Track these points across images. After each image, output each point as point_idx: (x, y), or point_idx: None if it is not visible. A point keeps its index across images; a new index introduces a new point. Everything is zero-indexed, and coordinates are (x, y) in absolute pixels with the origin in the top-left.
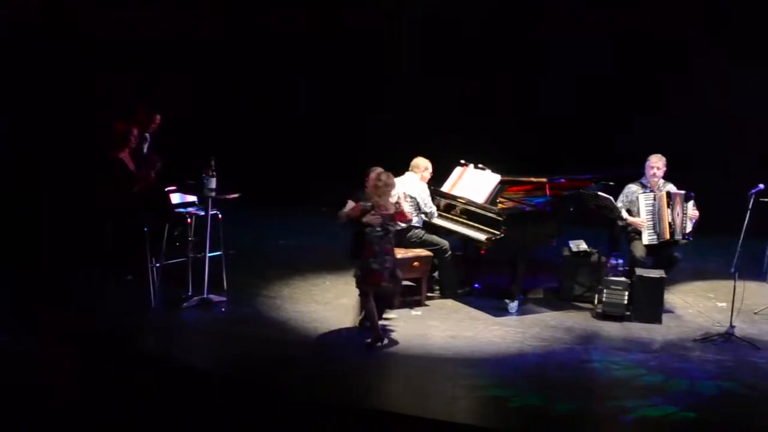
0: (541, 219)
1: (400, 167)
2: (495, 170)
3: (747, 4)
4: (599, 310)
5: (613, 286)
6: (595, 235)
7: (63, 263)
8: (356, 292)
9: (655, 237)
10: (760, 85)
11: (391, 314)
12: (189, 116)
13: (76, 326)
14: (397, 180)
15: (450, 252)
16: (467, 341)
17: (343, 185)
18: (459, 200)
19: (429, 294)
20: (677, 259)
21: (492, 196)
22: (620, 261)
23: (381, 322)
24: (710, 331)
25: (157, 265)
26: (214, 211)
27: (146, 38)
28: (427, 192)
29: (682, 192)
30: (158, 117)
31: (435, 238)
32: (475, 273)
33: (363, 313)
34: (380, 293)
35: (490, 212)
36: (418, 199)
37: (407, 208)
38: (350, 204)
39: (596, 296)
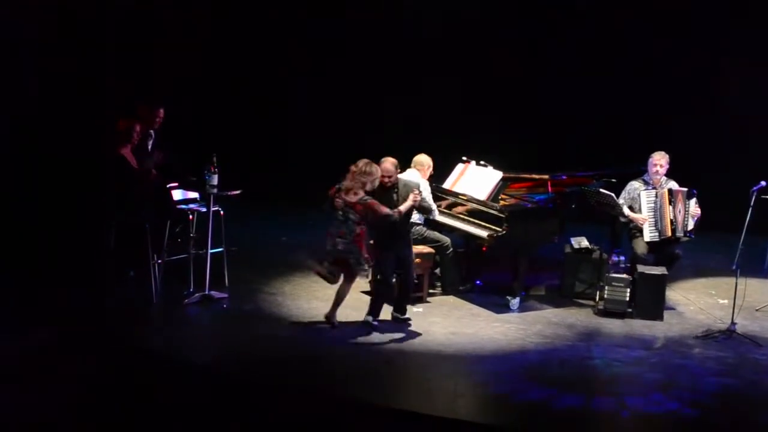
0: (543, 216)
1: (403, 163)
2: (497, 167)
3: (747, 3)
4: (601, 307)
5: (614, 283)
6: (597, 232)
7: (64, 261)
8: (357, 288)
9: (657, 234)
10: (761, 82)
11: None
12: (191, 113)
13: (77, 323)
14: (399, 177)
15: (452, 249)
16: (469, 338)
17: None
18: (461, 197)
19: (431, 291)
20: (678, 255)
21: (494, 193)
22: (622, 258)
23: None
24: (712, 328)
25: (159, 261)
26: (216, 208)
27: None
28: (429, 189)
29: (685, 189)
30: (161, 111)
31: (437, 234)
32: (476, 270)
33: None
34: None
35: (491, 209)
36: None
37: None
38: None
39: (598, 293)
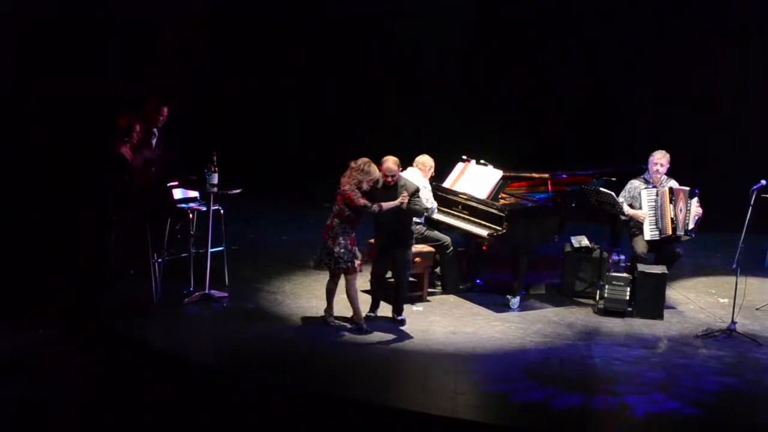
0: (543, 215)
1: (404, 163)
2: (497, 166)
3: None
4: (601, 306)
5: (614, 282)
6: (597, 231)
7: (65, 259)
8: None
9: (657, 233)
10: (761, 81)
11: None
12: (192, 112)
13: (78, 322)
14: (400, 175)
15: (452, 248)
16: (469, 337)
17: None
18: (461, 196)
19: (431, 290)
20: (679, 254)
21: (494, 191)
22: (622, 257)
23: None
24: (712, 327)
25: (159, 260)
26: (216, 207)
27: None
28: (429, 188)
29: (686, 188)
30: (165, 109)
31: (437, 233)
32: (476, 269)
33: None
34: None
35: (492, 208)
36: (420, 194)
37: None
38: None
39: (598, 292)
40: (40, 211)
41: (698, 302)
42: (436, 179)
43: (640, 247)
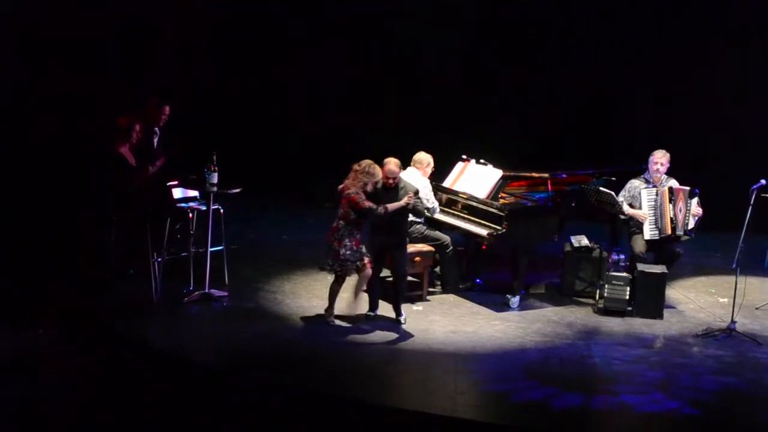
0: (543, 214)
1: (404, 163)
2: (497, 165)
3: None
4: (601, 306)
5: (614, 282)
6: (597, 230)
7: (65, 259)
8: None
9: (657, 232)
10: (761, 80)
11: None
12: (191, 111)
13: (78, 321)
14: (400, 177)
15: (452, 247)
16: (468, 336)
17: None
18: (461, 195)
19: (430, 289)
20: (678, 254)
21: (494, 191)
22: (622, 256)
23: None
24: (712, 327)
25: (159, 259)
26: (216, 206)
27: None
28: (429, 187)
29: (686, 188)
30: (167, 108)
31: (437, 233)
32: (476, 268)
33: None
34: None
35: (491, 207)
36: (420, 194)
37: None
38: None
39: (598, 292)
40: (41, 211)
41: (698, 302)
42: (436, 178)
43: (639, 246)
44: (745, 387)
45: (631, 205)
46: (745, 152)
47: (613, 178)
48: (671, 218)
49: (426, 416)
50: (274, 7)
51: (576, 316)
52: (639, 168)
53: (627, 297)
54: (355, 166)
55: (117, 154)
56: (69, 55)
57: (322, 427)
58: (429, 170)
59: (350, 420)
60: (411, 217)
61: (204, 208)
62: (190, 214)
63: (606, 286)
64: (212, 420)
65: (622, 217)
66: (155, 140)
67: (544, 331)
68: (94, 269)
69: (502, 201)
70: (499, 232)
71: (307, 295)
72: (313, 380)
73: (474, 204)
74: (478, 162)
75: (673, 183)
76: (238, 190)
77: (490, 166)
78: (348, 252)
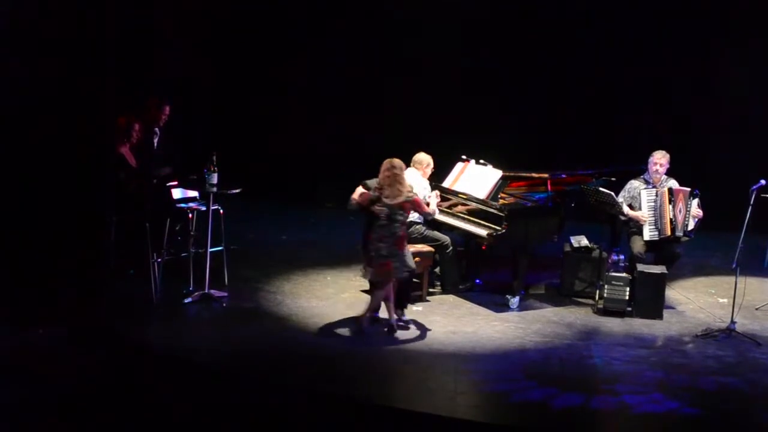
0: (543, 215)
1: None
2: (496, 166)
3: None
4: (600, 306)
5: (614, 282)
6: (597, 230)
7: (64, 259)
8: (357, 287)
9: (656, 233)
10: (762, 80)
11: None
12: (191, 111)
13: (77, 321)
14: None
15: (451, 247)
16: (468, 337)
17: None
18: (460, 196)
19: (430, 289)
20: (678, 254)
21: (493, 191)
22: (621, 257)
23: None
24: (711, 327)
25: (159, 260)
26: (216, 206)
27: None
28: (429, 188)
29: (687, 189)
30: (167, 108)
31: (436, 233)
32: (476, 268)
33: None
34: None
35: (491, 208)
36: (419, 195)
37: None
38: (359, 190)
39: (597, 292)
40: (40, 211)
41: (698, 302)
42: (436, 179)
43: (638, 246)
44: (745, 387)
45: (630, 206)
46: (745, 152)
47: (613, 179)
48: (671, 219)
49: (426, 416)
50: (273, 7)
51: (576, 316)
52: (639, 168)
53: (627, 297)
54: (386, 171)
55: (117, 154)
56: (69, 55)
57: (322, 427)
58: (429, 171)
59: (350, 420)
60: (411, 217)
61: (204, 208)
62: (190, 215)
63: (606, 286)
64: (212, 420)
65: (622, 218)
66: (155, 140)
67: (544, 332)
68: (94, 269)
69: (501, 201)
70: (499, 233)
71: (306, 295)
72: (312, 380)
73: (473, 204)
74: (477, 162)
75: (673, 183)
76: (237, 191)
77: (489, 167)
78: (408, 256)
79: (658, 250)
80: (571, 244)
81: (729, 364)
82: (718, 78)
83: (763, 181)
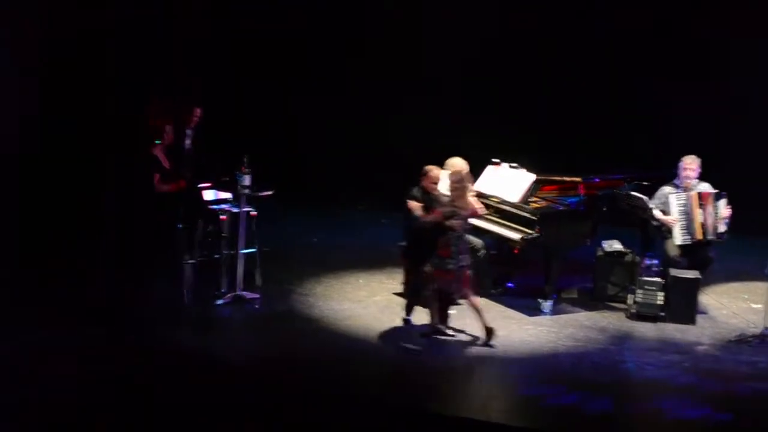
0: (575, 219)
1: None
2: (529, 169)
3: None
4: (633, 311)
5: (647, 287)
6: (629, 235)
7: (96, 261)
8: (389, 290)
9: (689, 237)
10: None
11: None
12: (225, 113)
13: (109, 323)
14: None
15: (484, 251)
16: (500, 340)
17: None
18: (492, 199)
19: None
20: (711, 259)
21: (526, 195)
22: (654, 261)
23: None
24: (745, 333)
25: (191, 262)
26: (248, 208)
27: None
28: None
29: (713, 191)
30: (199, 110)
31: (469, 237)
32: (508, 272)
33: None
34: (445, 290)
35: (523, 211)
36: None
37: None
38: (413, 205)
39: (630, 296)
40: (73, 212)
41: (731, 307)
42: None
43: (673, 250)
44: None
45: (662, 212)
46: None
47: (645, 183)
48: (701, 223)
49: (458, 420)
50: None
51: (608, 321)
52: (670, 172)
53: (659, 302)
54: (463, 182)
55: (150, 156)
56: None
57: (352, 429)
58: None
59: (382, 424)
60: None
61: (236, 210)
62: (223, 216)
63: (638, 291)
64: (243, 421)
65: (654, 222)
66: (187, 142)
67: (577, 336)
68: (125, 270)
69: (534, 205)
70: (532, 236)
71: (338, 297)
72: (344, 383)
73: (506, 208)
74: (510, 165)
75: (705, 187)
76: (270, 193)
77: (522, 170)
78: None
79: (691, 254)
80: (603, 249)
81: (763, 370)
82: (755, 79)
83: None
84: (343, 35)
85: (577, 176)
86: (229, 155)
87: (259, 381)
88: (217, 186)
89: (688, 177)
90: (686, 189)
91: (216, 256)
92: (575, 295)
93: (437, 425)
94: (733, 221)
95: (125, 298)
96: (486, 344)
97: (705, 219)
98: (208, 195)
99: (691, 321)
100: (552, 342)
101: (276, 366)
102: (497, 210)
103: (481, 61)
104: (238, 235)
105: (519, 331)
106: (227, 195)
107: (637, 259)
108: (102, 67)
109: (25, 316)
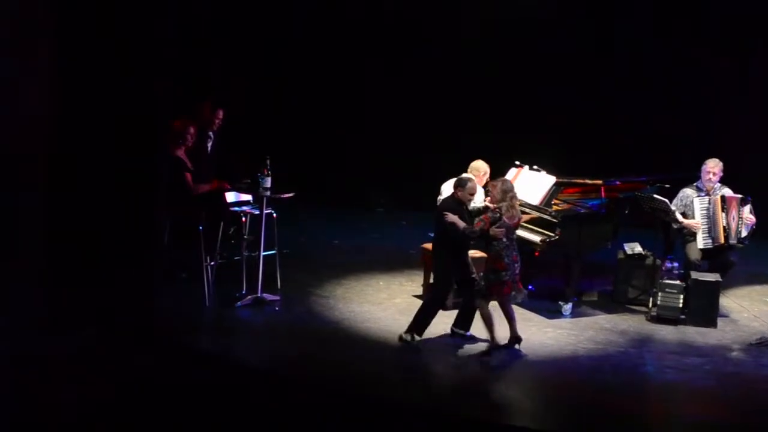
0: (596, 221)
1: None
2: (550, 172)
3: None
4: (654, 314)
5: (667, 290)
6: (650, 238)
7: (118, 262)
8: (409, 292)
9: (710, 241)
10: None
11: None
12: (246, 115)
13: (129, 325)
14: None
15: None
16: (521, 344)
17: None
18: None
19: None
20: (732, 262)
21: (547, 197)
22: (675, 264)
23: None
24: (766, 335)
25: (212, 263)
26: (269, 210)
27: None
28: (483, 195)
29: (738, 196)
30: (221, 112)
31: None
32: (529, 275)
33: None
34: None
35: (545, 214)
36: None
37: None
38: (451, 217)
39: (651, 299)
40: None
41: (752, 310)
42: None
43: (694, 253)
44: None
45: (684, 214)
46: None
47: (667, 185)
48: (724, 227)
49: (477, 423)
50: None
51: (629, 323)
52: (692, 175)
53: (680, 305)
54: (513, 192)
55: (173, 157)
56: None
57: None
58: (485, 179)
59: (402, 426)
60: None
61: (257, 212)
62: (243, 218)
63: (659, 293)
64: (264, 423)
65: (675, 225)
66: (209, 144)
67: (597, 339)
68: (147, 272)
69: (555, 207)
70: (552, 239)
71: (359, 300)
72: (364, 384)
73: (527, 210)
74: (531, 168)
75: (727, 191)
76: (291, 195)
77: (543, 173)
78: None
79: (713, 258)
80: (624, 251)
81: None
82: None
83: None
84: (362, 35)
85: (598, 179)
86: (251, 157)
87: (279, 383)
88: (239, 188)
89: (710, 180)
90: (708, 192)
91: (237, 257)
92: (595, 298)
93: (457, 427)
94: (754, 226)
95: (146, 299)
96: (506, 347)
97: (728, 223)
98: (230, 197)
99: (712, 324)
100: (572, 345)
101: (296, 368)
102: None
103: (505, 64)
104: (259, 237)
105: (539, 333)
106: (248, 197)
107: (658, 262)
108: (128, 66)
109: (56, 316)
